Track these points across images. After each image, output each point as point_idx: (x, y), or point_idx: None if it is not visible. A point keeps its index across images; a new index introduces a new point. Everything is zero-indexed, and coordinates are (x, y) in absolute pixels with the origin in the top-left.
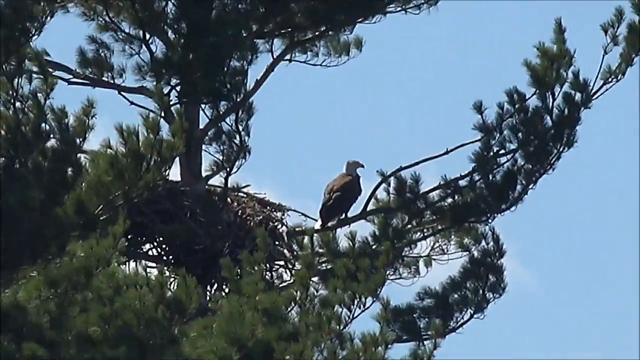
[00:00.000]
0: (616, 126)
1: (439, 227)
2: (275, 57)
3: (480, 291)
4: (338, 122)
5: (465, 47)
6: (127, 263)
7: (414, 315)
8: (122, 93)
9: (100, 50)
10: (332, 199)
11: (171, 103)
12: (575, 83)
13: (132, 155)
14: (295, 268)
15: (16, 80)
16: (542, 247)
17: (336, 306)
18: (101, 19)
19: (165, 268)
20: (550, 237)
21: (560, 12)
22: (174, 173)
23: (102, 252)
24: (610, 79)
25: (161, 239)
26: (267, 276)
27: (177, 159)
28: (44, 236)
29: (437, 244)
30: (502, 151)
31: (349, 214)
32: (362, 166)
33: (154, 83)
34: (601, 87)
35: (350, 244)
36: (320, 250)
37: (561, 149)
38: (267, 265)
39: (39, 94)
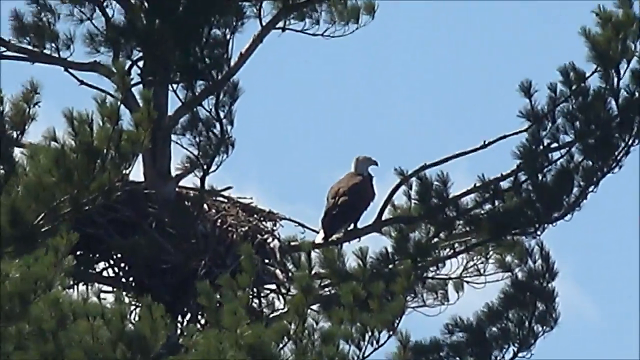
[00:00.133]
0: None
1: (474, 241)
2: (264, 24)
3: (526, 323)
4: (344, 107)
5: (507, 12)
6: (75, 287)
7: (441, 354)
8: (69, 70)
9: (42, 14)
10: (338, 205)
11: (133, 83)
12: None
13: (83, 150)
14: (290, 293)
15: None
16: (604, 266)
17: (341, 342)
18: None
19: (125, 293)
20: (615, 253)
21: None
22: (136, 172)
23: (42, 272)
24: None
25: (119, 256)
26: (253, 304)
27: (141, 154)
28: None
29: (471, 263)
30: (555, 144)
31: (359, 224)
32: (376, 163)
33: (111, 57)
34: None
35: (360, 262)
36: (322, 271)
37: (629, 141)
38: (254, 290)
39: None
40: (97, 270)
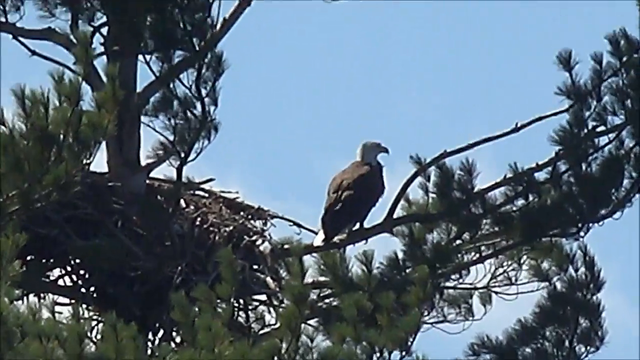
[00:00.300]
0: None
1: (504, 244)
2: None
3: (567, 342)
4: (347, 84)
5: None
6: (24, 298)
7: None
8: (19, 38)
9: None
10: (341, 200)
11: (95, 54)
12: None
13: (36, 135)
14: (283, 305)
15: None
16: None
17: None
18: None
19: (85, 307)
20: None
21: None
22: (99, 161)
23: None
24: None
25: (78, 261)
26: (239, 318)
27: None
28: None
29: (500, 270)
30: (602, 127)
31: (366, 224)
32: (387, 151)
33: (69, 23)
34: None
35: (366, 269)
36: (322, 279)
37: None
38: (241, 302)
39: None
40: (52, 278)
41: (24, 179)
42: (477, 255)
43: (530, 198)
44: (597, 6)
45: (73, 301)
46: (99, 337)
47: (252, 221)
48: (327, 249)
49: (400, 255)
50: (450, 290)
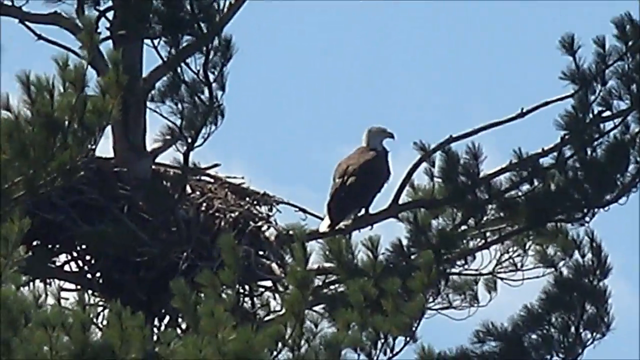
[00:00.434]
0: None
1: (510, 230)
2: None
3: (573, 328)
4: (353, 68)
5: None
6: (30, 284)
7: None
8: (25, 22)
9: None
10: (347, 186)
11: (101, 38)
12: None
13: (41, 122)
14: (288, 291)
15: None
16: None
17: (348, 350)
18: None
19: (91, 292)
20: None
21: None
22: (105, 146)
23: None
24: None
25: (84, 246)
26: (245, 304)
27: (110, 125)
28: None
29: (505, 256)
30: (607, 112)
31: (372, 209)
32: (392, 136)
33: (75, 7)
34: None
35: (371, 255)
36: (327, 265)
37: None
38: (246, 288)
39: None
40: (58, 263)
41: (29, 165)
42: (483, 241)
43: (536, 183)
44: None
45: (79, 287)
46: (105, 322)
47: (257, 207)
48: (333, 235)
49: (405, 241)
50: (455, 277)
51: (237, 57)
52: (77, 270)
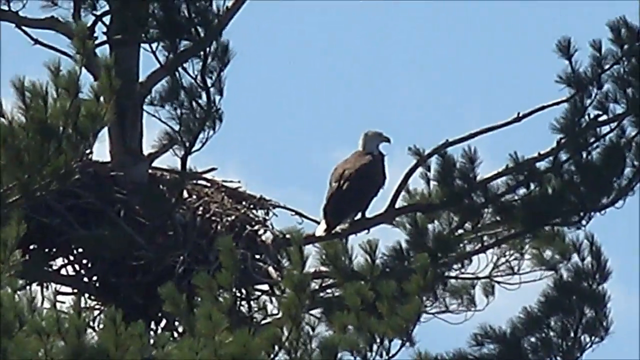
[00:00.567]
0: None
1: (506, 233)
2: None
3: (572, 332)
4: (349, 72)
5: None
6: (26, 287)
7: None
8: (22, 27)
9: None
10: (343, 190)
11: (97, 42)
12: None
13: (35, 128)
14: (285, 295)
15: None
16: None
17: (344, 353)
18: None
19: (88, 296)
20: None
21: None
22: (102, 150)
23: None
24: None
25: (81, 250)
26: (241, 308)
27: (107, 129)
28: None
29: (502, 260)
30: (603, 116)
31: (368, 213)
32: (388, 140)
33: (71, 11)
34: None
35: (369, 258)
36: (323, 269)
37: None
38: (243, 292)
39: None
40: (54, 267)
41: (24, 170)
42: (479, 244)
43: (532, 187)
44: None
45: (76, 291)
46: (101, 326)
47: (254, 211)
48: (329, 239)
49: (403, 245)
50: (452, 281)
51: (234, 60)
52: (73, 274)
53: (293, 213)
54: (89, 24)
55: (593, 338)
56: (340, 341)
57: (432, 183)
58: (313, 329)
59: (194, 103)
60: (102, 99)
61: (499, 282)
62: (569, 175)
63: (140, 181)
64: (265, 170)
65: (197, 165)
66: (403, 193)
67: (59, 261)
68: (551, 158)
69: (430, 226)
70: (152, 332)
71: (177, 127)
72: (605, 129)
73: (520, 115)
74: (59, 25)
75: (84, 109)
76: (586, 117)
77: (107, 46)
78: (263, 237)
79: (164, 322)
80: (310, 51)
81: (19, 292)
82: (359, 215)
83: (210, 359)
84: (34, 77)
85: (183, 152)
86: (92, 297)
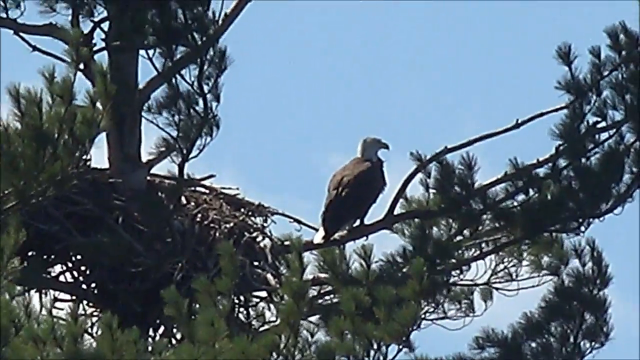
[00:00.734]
0: None
1: (505, 240)
2: None
3: (572, 338)
4: (347, 78)
5: None
6: (25, 294)
7: None
8: (20, 34)
9: None
10: (342, 197)
11: (96, 49)
12: None
13: (30, 135)
14: (283, 302)
15: None
16: None
17: (342, 358)
18: None
19: (86, 303)
20: None
21: None
22: (100, 157)
23: None
24: None
25: (79, 257)
26: (240, 315)
27: (105, 136)
28: None
29: (501, 266)
30: (602, 123)
31: (367, 220)
32: (387, 147)
33: (70, 18)
34: None
35: (364, 264)
36: (322, 275)
37: None
38: (241, 299)
39: None
40: (53, 274)
41: (20, 176)
42: (478, 251)
43: (531, 193)
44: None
45: (74, 297)
46: (99, 332)
47: (252, 218)
48: (327, 246)
49: (401, 251)
50: (452, 286)
51: (232, 66)
52: (72, 280)
53: (291, 220)
54: (87, 31)
55: (593, 344)
56: (337, 347)
57: (431, 190)
58: (311, 336)
59: (191, 110)
60: (98, 105)
61: (497, 289)
62: (568, 181)
63: (139, 188)
64: (263, 176)
65: (195, 172)
66: (402, 200)
67: (58, 268)
68: (550, 164)
69: (429, 233)
70: (150, 339)
71: (174, 134)
72: (604, 135)
73: (519, 122)
74: (57, 31)
75: (80, 115)
76: (585, 123)
77: (106, 53)
78: (261, 244)
79: (162, 329)
80: (308, 56)
81: (16, 299)
82: (357, 222)
83: None
84: (32, 84)
85: (180, 158)
86: (91, 304)
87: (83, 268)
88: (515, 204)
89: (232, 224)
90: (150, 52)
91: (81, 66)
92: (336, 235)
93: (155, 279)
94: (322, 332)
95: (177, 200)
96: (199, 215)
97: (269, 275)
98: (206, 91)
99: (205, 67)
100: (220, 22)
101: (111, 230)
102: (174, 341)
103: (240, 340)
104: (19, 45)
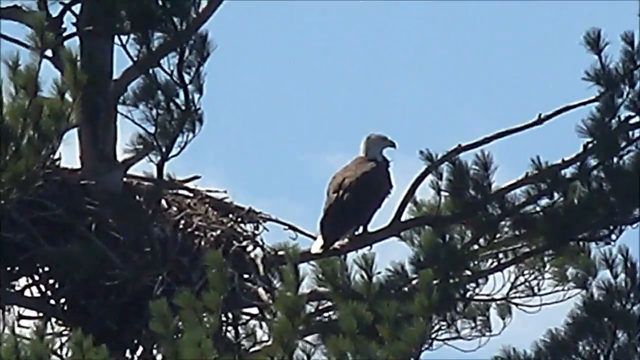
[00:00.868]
0: None
1: (526, 249)
2: None
3: (602, 358)
4: (345, 69)
5: None
6: None
7: None
8: None
9: None
10: (343, 200)
11: (65, 34)
12: None
13: None
14: (276, 319)
15: None
16: None
17: None
18: None
19: (55, 321)
20: None
21: None
22: (71, 156)
23: None
24: None
25: (47, 269)
26: (228, 333)
27: (77, 132)
28: None
29: (522, 279)
30: (636, 117)
31: (371, 227)
32: (393, 145)
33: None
34: None
35: (365, 274)
36: (320, 289)
37: None
38: (230, 316)
39: None
40: (17, 288)
41: None
42: (496, 262)
43: (556, 197)
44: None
45: (41, 314)
46: (70, 354)
47: (242, 224)
48: (327, 257)
49: (408, 262)
50: (466, 302)
51: (216, 55)
52: (38, 295)
53: (286, 227)
54: (56, 14)
55: None
56: None
57: (443, 193)
58: (308, 357)
59: (170, 102)
60: (67, 96)
61: (517, 304)
62: (598, 183)
63: (114, 191)
64: (253, 178)
65: (178, 173)
66: (410, 204)
67: (23, 281)
68: (577, 164)
69: (440, 241)
70: None
71: (152, 130)
72: (638, 131)
73: (542, 116)
74: (23, 15)
75: (47, 108)
76: (617, 118)
77: (77, 39)
78: (252, 254)
79: (140, 350)
80: (304, 45)
81: None
82: (360, 230)
83: None
84: None
85: (160, 157)
86: (59, 322)
87: (51, 281)
88: (538, 209)
89: (219, 232)
90: (125, 38)
91: (49, 53)
92: (336, 244)
93: (132, 293)
94: (319, 353)
95: (157, 204)
96: (182, 221)
97: (260, 290)
98: (187, 82)
99: (186, 55)
100: (202, 5)
101: (83, 238)
102: None
103: None
104: None
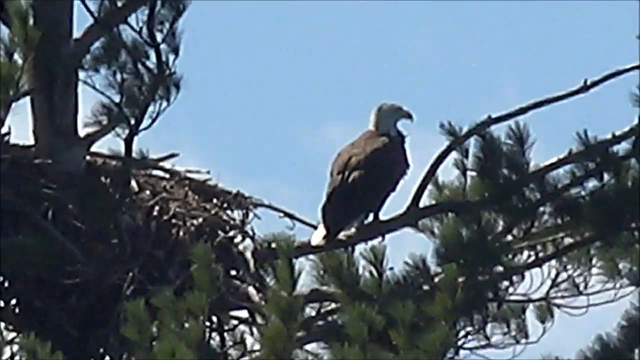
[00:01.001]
0: None
1: (570, 241)
2: None
3: None
4: (348, 28)
5: None
6: None
7: None
8: None
9: None
10: (350, 183)
11: None
12: None
13: None
14: (269, 324)
15: None
16: None
17: None
18: None
19: (4, 325)
20: None
21: None
22: (22, 130)
23: None
24: None
25: None
26: (212, 340)
27: (29, 101)
28: None
29: (564, 275)
30: None
31: (383, 215)
32: (410, 116)
33: None
34: None
35: (375, 271)
36: (323, 288)
37: None
38: (214, 320)
39: None
40: None
41: None
42: (533, 255)
43: (606, 178)
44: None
45: None
46: None
47: (228, 211)
48: (330, 250)
49: (429, 256)
50: (498, 303)
51: (195, 11)
52: None
53: (281, 214)
54: None
55: None
56: None
57: (470, 174)
58: None
59: (139, 65)
60: (16, 57)
61: (559, 305)
62: None
63: (75, 171)
64: (240, 156)
65: (150, 151)
66: (430, 187)
67: None
68: (631, 139)
69: (466, 231)
70: None
71: (118, 98)
72: None
73: (588, 83)
74: None
75: None
76: None
77: None
78: (241, 247)
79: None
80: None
81: None
82: (370, 217)
83: None
84: None
85: (128, 131)
86: (11, 326)
87: (0, 279)
88: (584, 192)
89: (201, 220)
90: None
91: None
92: (341, 235)
93: (97, 294)
94: None
95: (126, 187)
96: (156, 207)
97: (250, 289)
98: (159, 40)
99: (157, 8)
100: None
101: (38, 228)
102: None
103: None
104: None
